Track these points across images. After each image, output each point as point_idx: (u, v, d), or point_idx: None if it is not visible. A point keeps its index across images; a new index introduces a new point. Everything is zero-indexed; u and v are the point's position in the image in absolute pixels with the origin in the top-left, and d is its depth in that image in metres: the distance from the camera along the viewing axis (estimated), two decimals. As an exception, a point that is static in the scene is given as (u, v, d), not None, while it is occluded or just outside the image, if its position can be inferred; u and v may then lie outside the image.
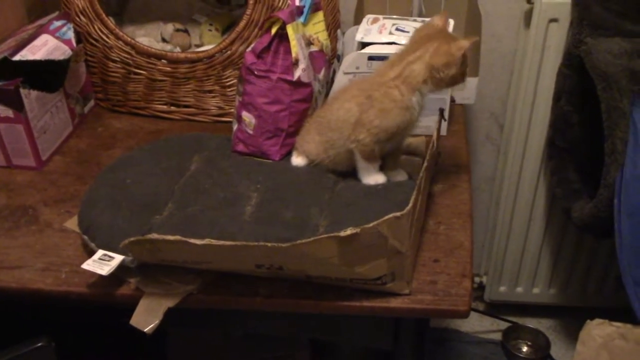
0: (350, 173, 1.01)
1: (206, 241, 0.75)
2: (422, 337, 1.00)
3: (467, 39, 0.91)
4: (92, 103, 1.28)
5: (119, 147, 1.18)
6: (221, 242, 0.75)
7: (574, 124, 1.36)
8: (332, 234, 0.74)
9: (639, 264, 1.08)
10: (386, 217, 0.75)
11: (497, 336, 1.73)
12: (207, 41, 1.33)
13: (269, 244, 0.75)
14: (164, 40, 1.35)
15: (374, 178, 0.98)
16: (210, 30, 1.34)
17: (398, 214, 0.76)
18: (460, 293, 0.86)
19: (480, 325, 1.79)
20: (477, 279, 1.76)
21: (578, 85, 1.32)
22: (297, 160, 1.04)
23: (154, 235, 0.77)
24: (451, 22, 1.16)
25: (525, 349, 1.72)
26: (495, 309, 1.77)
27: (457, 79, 0.93)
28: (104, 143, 1.20)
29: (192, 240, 0.75)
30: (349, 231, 0.74)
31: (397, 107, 0.92)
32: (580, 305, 1.69)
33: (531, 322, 1.75)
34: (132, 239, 0.79)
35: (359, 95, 0.95)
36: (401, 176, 1.01)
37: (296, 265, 0.81)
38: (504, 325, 1.74)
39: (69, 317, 1.02)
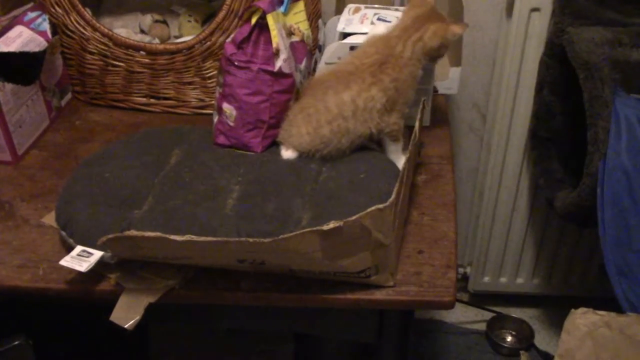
0: (335, 162, 1.00)
1: (186, 237, 0.74)
2: (406, 329, 0.99)
3: (459, 26, 1.01)
4: (69, 96, 1.26)
5: (97, 141, 1.16)
6: (202, 238, 0.74)
7: (556, 114, 1.36)
8: (314, 228, 0.73)
9: (623, 253, 1.09)
10: (369, 210, 0.74)
11: (482, 326, 1.74)
12: (186, 32, 1.31)
13: (251, 240, 0.73)
14: (142, 31, 1.32)
15: (402, 159, 1.01)
16: (189, 21, 1.32)
17: (381, 206, 0.75)
18: (444, 284, 0.85)
19: (464, 316, 1.80)
20: (461, 270, 1.76)
21: (560, 75, 1.32)
22: (288, 153, 1.02)
23: (133, 232, 0.76)
24: (433, 11, 1.15)
25: (509, 338, 1.73)
26: (480, 300, 1.78)
27: (442, 55, 1.05)
28: (81, 136, 1.17)
29: (172, 237, 0.74)
30: (331, 224, 0.73)
31: (415, 80, 1.02)
32: (563, 295, 1.70)
33: (515, 312, 1.76)
34: (110, 235, 0.77)
35: (376, 81, 0.98)
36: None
37: (278, 260, 0.80)
38: (488, 315, 1.75)
39: (48, 314, 1.00)
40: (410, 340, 1.02)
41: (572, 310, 0.93)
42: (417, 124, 0.94)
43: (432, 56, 1.02)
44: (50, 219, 0.95)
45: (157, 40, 1.28)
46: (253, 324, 1.03)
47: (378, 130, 1.00)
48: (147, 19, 1.32)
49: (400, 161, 1.01)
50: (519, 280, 1.70)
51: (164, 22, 1.33)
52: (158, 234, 0.75)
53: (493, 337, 1.70)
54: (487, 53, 1.47)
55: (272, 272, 0.85)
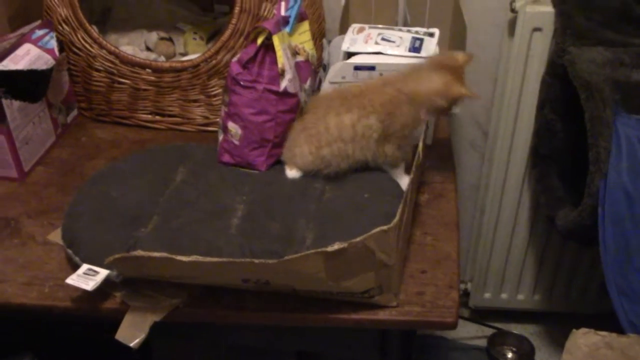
0: (339, 181, 1.01)
1: (192, 258, 0.74)
2: (408, 348, 1.00)
3: (467, 91, 0.99)
4: (75, 112, 1.27)
5: (103, 157, 1.17)
6: (207, 259, 0.75)
7: (557, 132, 1.37)
8: (319, 250, 0.73)
9: (623, 273, 1.09)
10: (373, 231, 0.75)
11: (482, 342, 1.74)
12: (191, 50, 1.32)
13: (256, 261, 0.74)
14: (148, 48, 1.34)
15: (404, 181, 1.01)
16: (194, 38, 1.34)
17: (385, 227, 0.76)
18: (447, 304, 0.86)
19: (465, 332, 1.80)
20: (462, 286, 1.76)
21: (562, 94, 1.32)
22: (292, 172, 1.03)
23: (139, 252, 0.76)
24: (436, 31, 1.17)
25: (510, 355, 1.72)
26: (480, 316, 1.78)
27: (444, 112, 1.04)
28: (87, 153, 1.18)
29: (178, 257, 0.74)
30: (336, 246, 0.73)
31: (415, 121, 1.00)
32: (564, 311, 1.70)
33: (516, 328, 1.76)
34: (117, 255, 0.78)
35: (374, 110, 0.98)
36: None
37: (283, 280, 0.81)
38: (489, 331, 1.75)
39: (54, 331, 1.01)
40: (412, 358, 1.02)
41: (574, 330, 0.93)
42: (420, 145, 0.95)
43: (436, 109, 1.00)
44: (56, 236, 0.96)
45: (162, 58, 1.29)
46: (256, 341, 1.03)
47: (374, 160, 1.01)
48: (153, 37, 1.33)
49: (403, 181, 1.02)
50: (520, 297, 1.70)
51: (170, 39, 1.34)
52: (164, 254, 0.76)
53: (494, 353, 1.70)
54: (489, 71, 1.48)
55: (276, 292, 0.85)
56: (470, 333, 1.79)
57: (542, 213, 1.51)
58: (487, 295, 1.71)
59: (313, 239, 0.89)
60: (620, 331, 0.96)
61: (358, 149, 0.99)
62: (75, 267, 0.87)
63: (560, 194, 1.40)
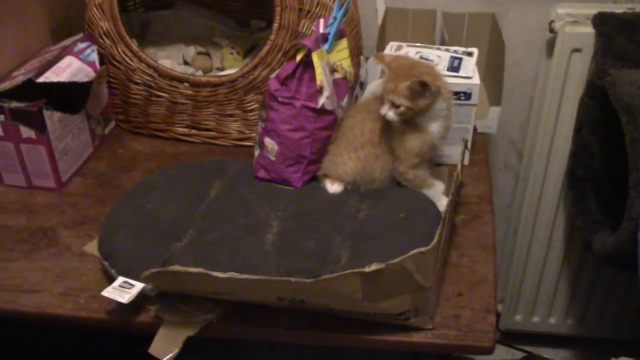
0: (374, 199, 1.00)
1: (229, 274, 0.74)
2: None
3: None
4: (112, 124, 1.28)
5: (139, 170, 1.18)
6: (244, 276, 0.74)
7: (595, 155, 1.35)
8: (356, 270, 0.73)
9: (664, 301, 1.07)
10: (411, 253, 0.74)
11: (513, 365, 1.72)
12: (228, 64, 1.33)
13: (293, 279, 0.74)
14: (185, 62, 1.35)
15: (442, 202, 1.00)
16: (231, 53, 1.34)
17: (423, 249, 0.75)
18: (484, 329, 0.85)
19: (495, 355, 1.76)
20: (492, 307, 1.74)
21: (600, 116, 1.30)
22: (334, 187, 1.03)
23: (177, 267, 0.76)
24: (475, 51, 1.16)
25: (540, 379, 1.70)
26: (511, 338, 1.75)
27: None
28: (124, 165, 1.19)
29: (215, 274, 0.74)
30: (373, 267, 0.73)
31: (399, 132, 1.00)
32: (597, 337, 1.67)
33: (547, 352, 1.73)
34: (154, 270, 0.78)
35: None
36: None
37: (319, 300, 0.80)
38: (519, 354, 1.72)
39: (87, 343, 1.01)
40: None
41: (612, 359, 0.91)
42: (459, 166, 0.94)
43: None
44: (92, 248, 0.97)
45: (200, 72, 1.30)
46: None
47: (395, 170, 1.02)
48: (191, 51, 1.34)
49: (441, 201, 1.00)
50: (552, 320, 1.67)
51: (207, 54, 1.35)
52: (201, 270, 0.76)
53: (524, 377, 1.67)
54: (525, 90, 1.47)
55: (311, 311, 0.85)
56: (500, 355, 1.77)
57: (577, 235, 1.48)
58: (518, 317, 1.68)
59: (348, 257, 0.88)
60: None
61: (384, 150, 1.01)
62: (110, 279, 0.88)
63: (597, 217, 1.37)
